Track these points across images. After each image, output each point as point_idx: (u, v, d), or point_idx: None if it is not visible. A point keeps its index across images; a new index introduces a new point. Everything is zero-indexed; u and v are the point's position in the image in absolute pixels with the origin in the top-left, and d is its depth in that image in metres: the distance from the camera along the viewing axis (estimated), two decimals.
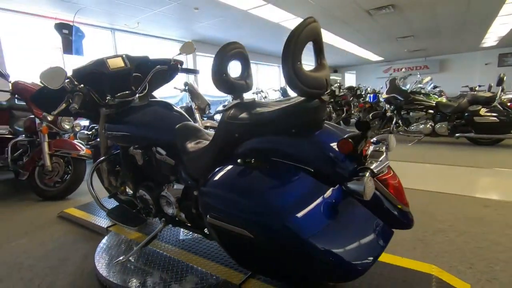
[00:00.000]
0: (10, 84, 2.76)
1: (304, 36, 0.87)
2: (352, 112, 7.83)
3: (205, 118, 6.12)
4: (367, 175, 0.82)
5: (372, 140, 1.03)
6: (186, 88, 4.64)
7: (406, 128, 4.86)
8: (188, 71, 1.97)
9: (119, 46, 5.96)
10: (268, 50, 9.20)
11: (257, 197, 0.85)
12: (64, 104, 1.38)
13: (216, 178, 0.99)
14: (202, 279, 1.27)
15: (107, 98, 1.58)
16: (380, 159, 0.90)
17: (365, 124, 1.07)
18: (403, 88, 4.86)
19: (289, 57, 0.85)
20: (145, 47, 6.53)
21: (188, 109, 4.91)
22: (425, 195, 2.36)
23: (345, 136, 0.92)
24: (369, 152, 0.95)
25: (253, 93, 6.87)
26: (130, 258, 1.48)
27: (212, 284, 1.23)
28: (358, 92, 8.67)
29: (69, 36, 5.05)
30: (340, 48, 9.44)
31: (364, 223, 0.86)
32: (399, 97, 4.79)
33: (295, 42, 0.85)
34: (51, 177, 2.81)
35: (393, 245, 1.59)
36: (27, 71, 4.68)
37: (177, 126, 1.45)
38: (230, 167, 0.99)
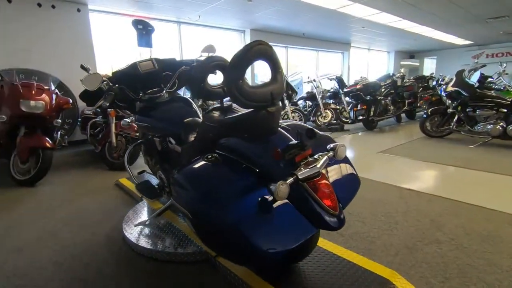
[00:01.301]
0: None
1: (248, 58, 1.03)
2: (418, 105, 7.11)
3: None
4: (289, 180, 0.96)
5: (329, 146, 1.14)
6: None
7: (470, 127, 4.29)
8: None
9: (183, 37, 6.60)
10: (328, 36, 8.85)
11: (199, 185, 1.07)
12: (101, 101, 1.80)
13: (183, 169, 1.24)
14: (199, 246, 1.58)
15: (140, 94, 1.97)
16: (311, 166, 1.02)
17: (311, 132, 1.18)
18: (469, 82, 4.25)
19: (231, 76, 1.02)
20: (207, 37, 7.05)
21: None
22: (447, 204, 2.21)
23: (290, 144, 1.06)
24: (315, 157, 1.06)
25: (305, 82, 6.83)
26: (147, 224, 1.88)
27: (203, 250, 1.53)
28: (431, 83, 7.75)
29: (143, 31, 5.86)
30: (411, 32, 8.48)
31: (286, 219, 1.01)
32: (463, 92, 4.23)
33: (237, 63, 1.02)
34: (116, 151, 3.49)
35: (376, 248, 1.64)
36: (112, 63, 5.63)
37: (185, 120, 1.75)
38: (196, 160, 1.23)
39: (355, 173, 1.33)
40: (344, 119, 6.66)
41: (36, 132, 3.06)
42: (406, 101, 6.69)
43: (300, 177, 0.99)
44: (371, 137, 5.33)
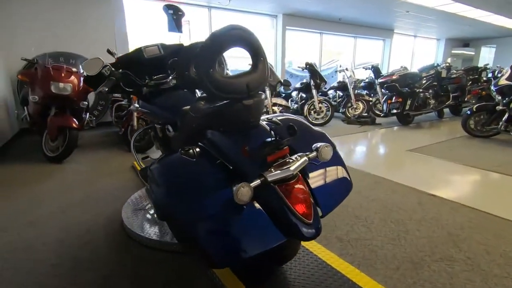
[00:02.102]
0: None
1: (219, 45, 0.93)
2: (465, 99, 6.39)
3: (282, 94, 6.26)
4: (254, 182, 0.87)
5: (314, 146, 1.02)
6: None
7: None
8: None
9: (214, 23, 6.56)
10: (367, 21, 8.22)
11: (165, 179, 1.02)
12: (102, 86, 1.82)
13: (159, 160, 1.20)
14: None
15: (146, 80, 1.96)
16: (283, 168, 0.91)
17: (292, 128, 1.06)
18: None
19: (200, 65, 0.94)
20: (238, 22, 6.93)
21: None
22: (473, 215, 1.94)
23: (265, 141, 0.97)
24: (292, 158, 0.96)
25: (336, 71, 6.46)
26: (146, 209, 1.91)
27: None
28: (484, 75, 6.90)
29: (173, 16, 5.92)
30: (464, 16, 7.54)
31: (252, 224, 0.92)
32: None
33: (207, 51, 0.93)
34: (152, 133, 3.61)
35: (375, 259, 1.49)
36: None
37: (184, 108, 1.71)
38: (173, 152, 1.18)
39: (346, 176, 1.19)
40: (378, 112, 6.23)
41: (65, 112, 3.26)
42: (451, 95, 6.04)
43: (268, 179, 0.89)
44: (404, 132, 4.91)
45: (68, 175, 2.79)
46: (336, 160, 1.19)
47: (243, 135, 1.03)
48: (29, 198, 2.24)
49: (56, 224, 1.85)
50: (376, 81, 5.99)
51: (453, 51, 12.15)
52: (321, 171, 1.13)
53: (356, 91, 6.10)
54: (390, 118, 5.83)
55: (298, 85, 5.96)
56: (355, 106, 5.88)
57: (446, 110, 6.64)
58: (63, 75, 3.15)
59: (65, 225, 1.83)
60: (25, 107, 3.50)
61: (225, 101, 1.02)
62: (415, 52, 11.37)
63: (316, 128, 1.32)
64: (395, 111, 5.30)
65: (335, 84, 6.45)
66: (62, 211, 2.02)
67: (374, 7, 6.67)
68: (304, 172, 1.10)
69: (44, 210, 2.04)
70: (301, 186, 0.95)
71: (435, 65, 6.10)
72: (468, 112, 4.39)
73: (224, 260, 0.86)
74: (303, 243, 1.53)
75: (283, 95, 6.37)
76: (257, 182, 0.88)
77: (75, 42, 4.84)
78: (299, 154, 0.98)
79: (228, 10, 6.57)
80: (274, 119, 1.28)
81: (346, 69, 6.00)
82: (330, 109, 5.39)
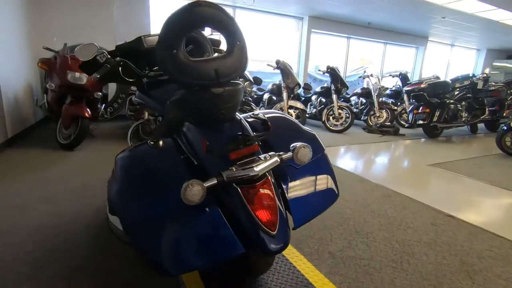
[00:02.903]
0: None
1: (184, 23, 0.83)
2: (504, 114, 5.83)
3: (302, 98, 6.07)
4: (209, 181, 0.75)
5: (292, 146, 0.89)
6: (278, 66, 4.70)
7: None
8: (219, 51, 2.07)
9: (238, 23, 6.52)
10: (399, 27, 7.80)
11: (120, 171, 0.92)
12: (95, 73, 1.78)
13: (128, 149, 1.10)
14: None
15: (146, 71, 1.91)
16: (247, 167, 0.79)
17: (265, 124, 0.93)
18: None
19: (162, 45, 0.83)
20: (263, 23, 6.86)
21: (278, 87, 5.01)
22: (495, 243, 1.68)
23: (233, 136, 0.84)
24: (261, 157, 0.83)
25: (359, 77, 6.18)
26: None
27: None
28: None
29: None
30: (509, 25, 6.93)
31: (207, 230, 0.80)
32: None
33: (169, 29, 0.83)
34: (148, 126, 3.62)
35: (368, 283, 1.30)
36: None
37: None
38: (139, 144, 1.08)
39: (332, 185, 1.03)
40: (403, 122, 5.87)
41: (80, 102, 3.33)
42: (487, 109, 5.53)
43: (226, 178, 0.76)
44: (429, 146, 4.55)
45: (74, 163, 2.82)
46: (323, 166, 1.04)
47: (212, 129, 0.92)
48: (30, 182, 2.27)
49: (45, 210, 1.83)
50: (403, 90, 5.64)
51: (494, 63, 11.26)
52: (301, 176, 0.98)
53: (380, 99, 5.78)
54: (416, 130, 5.45)
55: (318, 89, 5.75)
56: (377, 115, 5.57)
57: (481, 125, 6.11)
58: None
59: (53, 212, 1.81)
60: (45, 95, 3.64)
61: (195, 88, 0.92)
62: (451, 62, 10.66)
63: (307, 129, 1.17)
64: (421, 122, 4.92)
65: (358, 90, 6.16)
66: (55, 198, 2.01)
67: (407, 11, 6.31)
68: (282, 176, 0.96)
69: (38, 194, 2.04)
70: (267, 191, 0.81)
71: (471, 75, 5.62)
72: (505, 128, 3.96)
73: (169, 268, 0.75)
74: (285, 253, 1.38)
75: (303, 98, 6.18)
76: (212, 181, 0.76)
77: (98, 35, 5.00)
78: (270, 153, 0.84)
79: (252, 10, 6.51)
80: (261, 115, 1.15)
81: (371, 75, 5.70)
82: (350, 115, 5.13)
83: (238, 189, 0.79)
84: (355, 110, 5.91)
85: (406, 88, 5.24)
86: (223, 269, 1.16)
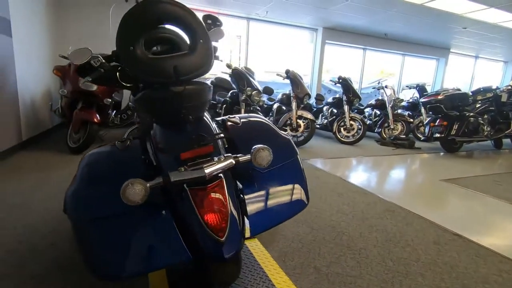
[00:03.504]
0: None
1: (141, 20, 0.81)
2: None
3: (314, 108, 5.99)
4: (153, 181, 0.71)
5: (253, 148, 0.84)
6: (288, 76, 4.67)
7: None
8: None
9: (251, 33, 6.62)
10: (418, 38, 7.59)
11: (82, 167, 0.90)
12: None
13: (96, 147, 1.09)
14: None
15: None
16: (195, 168, 0.74)
17: (224, 125, 0.88)
18: None
19: (121, 40, 0.82)
20: (276, 35, 6.92)
21: (288, 97, 4.97)
22: (506, 267, 1.51)
23: (190, 136, 0.81)
24: (215, 159, 0.79)
25: (373, 88, 6.02)
26: None
27: None
28: None
29: (211, 26, 6.11)
30: None
31: (153, 234, 0.76)
32: None
33: (125, 26, 0.82)
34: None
35: None
36: None
37: None
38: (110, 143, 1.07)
39: (300, 193, 0.96)
40: (420, 135, 5.63)
41: (90, 107, 3.45)
42: None
43: (172, 179, 0.72)
44: (445, 160, 4.29)
45: None
46: (293, 171, 0.98)
47: (174, 128, 0.89)
48: (33, 182, 2.34)
49: (38, 210, 1.86)
50: (420, 101, 5.42)
51: None
52: (266, 181, 0.92)
53: (396, 110, 5.58)
54: (434, 144, 5.20)
55: (330, 99, 5.65)
56: (392, 127, 5.37)
57: (507, 141, 5.73)
58: None
59: (46, 212, 1.84)
60: (59, 100, 3.80)
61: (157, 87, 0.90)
62: (476, 75, 10.19)
63: (282, 133, 1.11)
64: (438, 135, 4.67)
65: (372, 101, 6.00)
66: (50, 199, 2.05)
67: (425, 22, 6.13)
68: (246, 180, 0.91)
69: (36, 195, 2.09)
70: (218, 195, 0.76)
71: (494, 88, 5.32)
72: None
73: (106, 273, 0.71)
74: (263, 265, 1.30)
75: (315, 109, 6.10)
76: (157, 181, 0.72)
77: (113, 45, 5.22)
78: (226, 155, 0.80)
79: (266, 22, 6.59)
80: (236, 118, 1.12)
81: (386, 86, 5.54)
82: (362, 127, 4.98)
83: (188, 190, 0.75)
84: (368, 122, 5.74)
85: (422, 100, 5.03)
86: (191, 277, 1.11)
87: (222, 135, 0.87)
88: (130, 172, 0.86)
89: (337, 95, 5.51)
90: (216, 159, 0.78)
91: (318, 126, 5.59)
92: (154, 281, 1.18)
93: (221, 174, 0.78)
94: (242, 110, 4.15)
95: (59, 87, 4.70)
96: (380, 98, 5.84)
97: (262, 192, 0.90)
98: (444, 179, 3.15)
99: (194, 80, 0.89)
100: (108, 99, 3.56)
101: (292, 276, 1.33)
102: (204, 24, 0.90)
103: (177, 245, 0.75)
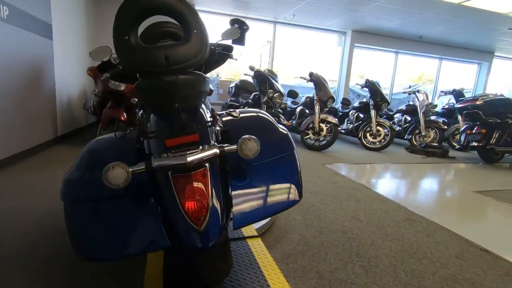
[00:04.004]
0: None
1: (134, 10, 0.83)
2: None
3: (340, 113, 5.81)
4: (135, 166, 0.72)
5: (242, 138, 0.82)
6: (311, 78, 4.59)
7: None
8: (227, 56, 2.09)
9: (279, 38, 6.63)
10: (456, 40, 7.09)
11: (82, 154, 0.94)
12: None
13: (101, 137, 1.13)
14: None
15: None
16: (178, 155, 0.74)
17: (212, 115, 0.86)
18: None
19: (115, 32, 0.85)
20: (303, 39, 6.86)
21: (311, 100, 4.87)
22: None
23: (175, 123, 0.81)
24: (201, 147, 0.78)
25: (404, 92, 5.71)
26: None
27: None
28: None
29: (238, 30, 6.21)
30: None
31: (134, 219, 0.76)
32: None
33: (119, 18, 0.84)
34: None
35: None
36: None
37: None
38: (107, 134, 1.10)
39: (291, 189, 0.92)
40: (455, 144, 5.23)
41: (119, 106, 3.64)
42: None
43: (154, 164, 0.73)
44: (483, 171, 3.93)
45: None
46: (287, 165, 0.95)
47: (166, 118, 0.89)
48: (61, 174, 2.50)
49: (44, 206, 1.97)
50: (455, 106, 5.05)
51: None
52: (256, 174, 0.90)
53: (429, 117, 5.25)
54: (471, 154, 4.80)
55: (356, 104, 5.45)
56: (423, 134, 5.05)
57: None
58: None
59: (52, 205, 1.94)
60: (92, 99, 4.07)
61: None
62: None
63: (281, 127, 1.08)
64: (474, 144, 4.31)
65: (403, 107, 5.70)
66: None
67: (464, 23, 5.73)
68: (236, 172, 0.89)
69: (46, 188, 2.20)
70: (201, 184, 0.74)
71: None
72: None
73: (85, 252, 0.73)
74: (262, 265, 1.26)
75: (340, 113, 5.92)
76: (140, 167, 0.73)
77: None
78: (213, 144, 0.79)
79: (293, 26, 6.56)
80: (235, 112, 1.11)
81: (417, 91, 5.24)
82: (389, 133, 4.73)
83: (170, 177, 0.75)
84: (398, 128, 5.45)
85: (457, 105, 4.68)
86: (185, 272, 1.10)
87: (210, 124, 0.87)
88: (122, 159, 0.88)
89: (364, 99, 5.31)
90: (200, 147, 0.77)
91: (343, 131, 5.42)
92: (150, 272, 1.19)
93: (206, 164, 0.77)
94: None
95: (93, 86, 5.04)
96: (411, 103, 5.54)
97: (251, 185, 0.87)
98: (478, 190, 2.88)
99: (189, 70, 0.90)
100: (135, 99, 3.73)
101: (292, 279, 1.28)
102: (198, 14, 0.91)
103: (157, 232, 0.75)
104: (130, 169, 0.71)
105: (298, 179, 0.94)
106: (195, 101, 0.95)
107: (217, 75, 6.81)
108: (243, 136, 0.79)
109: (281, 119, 4.03)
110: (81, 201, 0.79)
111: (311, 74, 4.61)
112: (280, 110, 4.41)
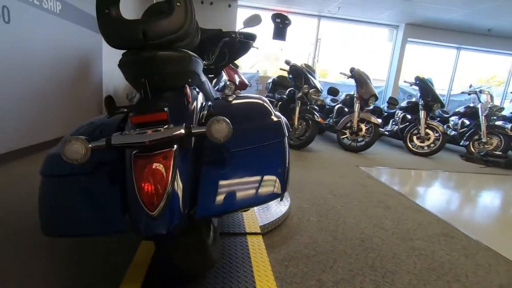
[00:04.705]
0: None
1: None
2: None
3: (385, 113, 5.35)
4: (96, 142, 0.68)
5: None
6: (352, 74, 4.29)
7: None
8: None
9: (323, 33, 6.35)
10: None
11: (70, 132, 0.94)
12: None
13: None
14: None
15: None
16: (138, 132, 0.69)
17: (186, 96, 0.79)
18: None
19: (97, 5, 0.82)
20: (348, 33, 6.48)
21: (352, 98, 4.56)
22: None
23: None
24: (166, 127, 0.72)
25: (462, 92, 5.02)
26: None
27: None
28: None
29: (280, 24, 6.08)
30: None
31: (96, 198, 0.73)
32: None
33: None
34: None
35: None
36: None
37: None
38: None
39: (275, 179, 0.81)
40: None
41: None
42: None
43: (112, 141, 0.68)
44: None
45: None
46: (272, 154, 0.84)
47: (145, 96, 0.85)
48: None
49: None
50: None
51: None
52: (230, 160, 0.80)
53: (493, 121, 4.55)
54: None
55: (403, 103, 4.96)
56: (484, 140, 4.39)
57: None
58: None
59: None
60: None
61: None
62: None
63: (277, 113, 0.97)
64: None
65: (461, 109, 5.03)
66: None
67: None
68: (210, 157, 0.81)
69: None
70: (161, 166, 0.68)
71: None
72: None
73: (46, 226, 0.72)
74: (254, 265, 1.16)
75: (385, 114, 5.45)
76: (100, 143, 0.69)
77: None
78: (180, 126, 0.71)
79: (338, 20, 6.22)
80: (230, 97, 1.03)
81: (480, 91, 4.57)
82: (440, 137, 4.21)
83: (132, 156, 0.70)
84: (452, 132, 4.83)
85: None
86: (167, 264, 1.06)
87: (186, 103, 0.80)
88: (102, 137, 0.86)
89: (413, 99, 4.81)
90: (165, 127, 0.71)
91: (386, 132, 4.97)
92: (138, 259, 1.17)
93: (175, 146, 0.71)
94: (297, 109, 3.98)
95: None
96: (471, 105, 4.86)
97: (225, 173, 0.78)
98: None
99: (175, 47, 0.84)
100: None
101: (288, 284, 1.16)
102: None
103: (113, 214, 0.71)
104: (90, 145, 0.67)
105: (283, 171, 0.82)
106: (178, 81, 0.89)
107: (257, 71, 6.78)
108: (213, 118, 0.71)
109: (315, 116, 3.82)
110: (53, 176, 0.79)
111: (352, 70, 4.31)
112: (316, 107, 4.19)
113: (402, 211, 2.05)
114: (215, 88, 1.96)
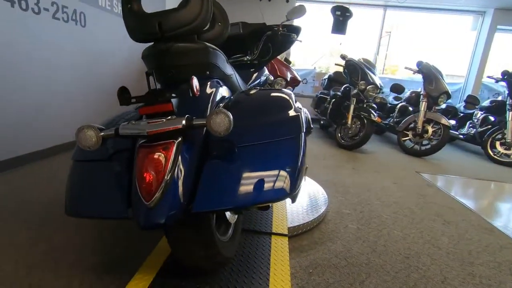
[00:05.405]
0: None
1: None
2: None
3: (461, 114, 4.62)
4: (105, 131, 0.72)
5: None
6: (419, 69, 3.82)
7: None
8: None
9: (391, 24, 5.80)
10: None
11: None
12: None
13: None
14: None
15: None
16: (140, 123, 0.70)
17: (191, 88, 0.76)
18: None
19: (122, 2, 0.85)
20: (423, 23, 5.78)
21: (418, 96, 4.06)
22: None
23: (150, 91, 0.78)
24: (169, 118, 0.73)
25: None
26: None
27: None
28: None
29: (340, 17, 5.73)
30: None
31: (109, 184, 0.76)
32: None
33: None
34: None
35: None
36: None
37: None
38: None
39: (284, 177, 0.75)
40: None
41: None
42: None
43: (119, 131, 0.71)
44: None
45: None
46: (285, 151, 0.77)
47: (162, 87, 0.87)
48: None
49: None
50: None
51: None
52: (236, 156, 0.76)
53: None
54: None
55: (486, 103, 4.22)
56: (509, 140, 3.47)
57: None
58: None
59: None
60: None
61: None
62: None
63: (298, 106, 0.90)
64: None
65: (485, 103, 4.14)
66: None
67: None
68: (216, 151, 0.79)
69: None
70: (162, 157, 0.67)
71: None
72: None
73: (68, 208, 0.80)
74: (272, 268, 1.10)
75: (461, 114, 4.72)
76: (110, 132, 0.72)
77: None
78: (183, 117, 0.70)
79: (407, 8, 5.60)
80: (252, 90, 1.00)
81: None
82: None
83: (137, 145, 0.71)
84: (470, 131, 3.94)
85: None
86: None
87: (196, 94, 0.78)
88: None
89: (499, 98, 4.05)
90: (167, 118, 0.70)
91: (461, 136, 4.31)
92: (160, 247, 1.22)
93: (179, 137, 0.70)
94: (351, 107, 3.72)
95: None
96: (498, 99, 3.90)
97: (229, 168, 0.74)
98: None
99: (193, 39, 0.84)
100: None
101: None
102: None
103: (120, 201, 0.74)
104: (101, 134, 0.71)
105: (294, 169, 0.74)
106: (195, 73, 0.88)
107: (314, 67, 6.55)
108: (214, 110, 0.67)
109: (372, 115, 3.50)
110: (79, 161, 0.86)
111: (419, 64, 3.83)
112: (374, 105, 3.84)
113: (466, 229, 1.74)
114: (256, 83, 1.92)
